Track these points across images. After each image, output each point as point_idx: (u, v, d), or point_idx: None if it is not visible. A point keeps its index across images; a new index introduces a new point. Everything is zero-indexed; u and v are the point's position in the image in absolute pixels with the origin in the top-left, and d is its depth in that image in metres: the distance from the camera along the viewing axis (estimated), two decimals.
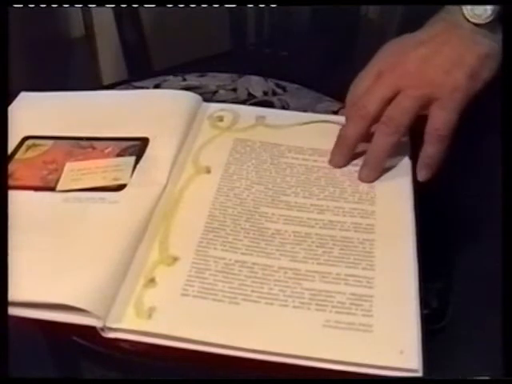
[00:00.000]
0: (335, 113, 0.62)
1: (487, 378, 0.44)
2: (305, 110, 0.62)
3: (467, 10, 0.51)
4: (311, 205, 0.50)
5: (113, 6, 0.96)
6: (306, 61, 0.53)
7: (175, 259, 0.46)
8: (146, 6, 0.94)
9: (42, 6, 1.16)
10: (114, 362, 0.43)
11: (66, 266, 0.44)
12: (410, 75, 0.51)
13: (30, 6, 1.09)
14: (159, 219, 0.49)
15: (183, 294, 0.43)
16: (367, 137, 0.52)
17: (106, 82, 1.19)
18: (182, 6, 0.95)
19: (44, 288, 0.42)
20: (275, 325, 0.42)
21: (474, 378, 0.46)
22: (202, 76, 0.67)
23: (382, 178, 0.53)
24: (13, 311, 0.41)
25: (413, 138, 0.56)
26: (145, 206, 0.49)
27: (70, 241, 0.46)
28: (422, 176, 0.52)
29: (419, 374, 0.39)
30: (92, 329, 0.41)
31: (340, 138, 0.53)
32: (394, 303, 0.43)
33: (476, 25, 0.51)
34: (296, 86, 0.66)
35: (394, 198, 0.51)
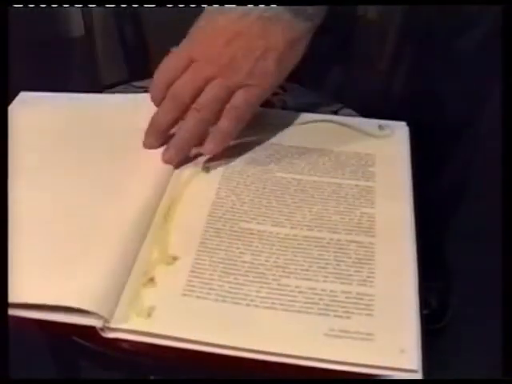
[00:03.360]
0: (335, 113, 0.62)
1: (487, 378, 0.44)
2: (305, 110, 0.62)
3: None
4: (311, 205, 0.50)
5: (113, 5, 0.96)
6: (305, 61, 0.53)
7: (175, 259, 0.46)
8: (145, 5, 0.94)
9: (42, 5, 1.16)
10: (114, 362, 0.43)
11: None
12: (221, 64, 0.52)
13: (30, 5, 1.09)
14: (159, 218, 0.49)
15: (183, 294, 0.43)
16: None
17: (105, 82, 1.19)
18: (182, 5, 0.95)
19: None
20: (275, 325, 0.42)
21: (474, 377, 0.46)
22: None
23: (382, 178, 0.53)
24: (13, 311, 0.41)
25: (413, 139, 0.56)
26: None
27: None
28: (208, 149, 0.53)
29: (419, 375, 0.39)
30: (92, 329, 0.41)
31: (153, 124, 0.54)
32: (394, 303, 0.43)
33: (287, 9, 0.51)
34: (296, 86, 0.66)
35: (394, 199, 0.51)
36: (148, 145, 0.54)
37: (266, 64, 0.52)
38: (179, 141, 0.53)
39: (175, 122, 0.53)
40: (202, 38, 0.54)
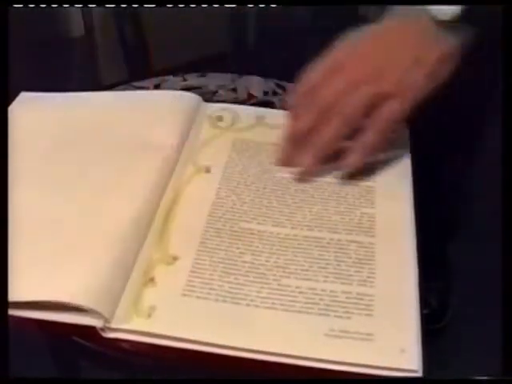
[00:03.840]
0: None
1: (487, 377, 0.44)
2: None
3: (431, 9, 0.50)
4: (311, 205, 0.50)
5: (113, 6, 0.96)
6: (306, 61, 0.52)
7: (175, 259, 0.46)
8: (145, 5, 0.94)
9: (42, 5, 1.16)
10: (114, 362, 0.43)
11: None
12: (369, 71, 0.50)
13: (30, 5, 1.09)
14: (159, 218, 0.49)
15: (183, 294, 0.43)
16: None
17: (105, 82, 1.19)
18: (182, 5, 0.95)
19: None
20: (275, 325, 0.42)
21: (474, 377, 0.46)
22: (202, 76, 0.67)
23: (382, 179, 0.53)
24: (13, 311, 0.41)
25: (413, 140, 0.56)
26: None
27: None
28: (350, 162, 0.51)
29: (419, 374, 0.39)
30: (92, 329, 0.41)
31: (293, 128, 0.52)
32: (394, 303, 0.43)
33: (440, 22, 0.50)
34: None
35: (394, 199, 0.51)
36: (285, 151, 0.53)
37: (415, 76, 0.50)
38: (319, 143, 0.51)
39: (315, 128, 0.51)
40: (349, 46, 0.52)
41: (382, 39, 0.51)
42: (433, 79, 0.50)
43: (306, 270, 0.45)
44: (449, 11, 0.49)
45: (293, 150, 0.53)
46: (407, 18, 0.51)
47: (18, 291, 0.41)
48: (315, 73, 0.52)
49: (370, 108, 0.50)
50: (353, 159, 0.51)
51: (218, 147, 0.56)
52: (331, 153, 0.52)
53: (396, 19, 0.52)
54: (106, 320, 0.41)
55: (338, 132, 0.51)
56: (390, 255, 0.46)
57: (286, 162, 0.53)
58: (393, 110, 0.50)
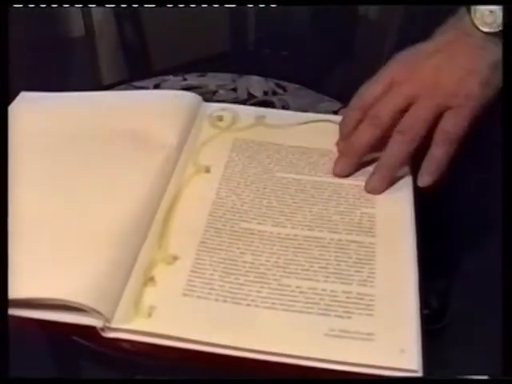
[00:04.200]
0: (335, 113, 0.62)
1: (487, 377, 0.44)
2: (305, 110, 0.62)
3: (477, 19, 0.50)
4: (311, 205, 0.50)
5: (113, 6, 0.96)
6: (306, 61, 0.52)
7: (175, 258, 0.46)
8: (145, 5, 0.94)
9: (42, 5, 1.16)
10: (114, 362, 0.43)
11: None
12: (424, 85, 0.50)
13: (30, 5, 1.09)
14: (160, 218, 0.49)
15: (184, 294, 0.43)
16: (375, 146, 0.52)
17: (105, 82, 1.19)
18: (182, 5, 0.95)
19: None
20: (276, 325, 0.42)
21: (474, 377, 0.46)
22: (201, 76, 0.67)
23: None
24: (13, 311, 0.41)
25: None
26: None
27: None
28: (425, 181, 0.51)
29: (419, 374, 0.39)
30: (92, 329, 0.41)
31: (349, 145, 0.53)
32: (394, 303, 0.43)
33: (486, 33, 0.50)
34: (296, 85, 0.66)
35: (394, 199, 0.51)
36: (340, 170, 0.53)
37: (469, 85, 0.50)
38: (384, 167, 0.51)
39: (373, 146, 0.52)
40: (402, 61, 0.53)
41: (434, 55, 0.51)
42: (488, 87, 0.50)
43: (307, 270, 0.45)
44: (493, 23, 0.49)
45: (350, 165, 0.53)
46: (456, 32, 0.52)
47: (17, 289, 0.41)
48: (371, 89, 0.52)
49: (431, 122, 0.50)
50: (428, 178, 0.51)
51: (218, 147, 0.56)
52: (398, 171, 0.52)
53: (445, 34, 0.53)
54: (106, 320, 0.41)
55: (402, 153, 0.51)
56: (390, 255, 0.46)
57: (344, 176, 0.53)
58: (455, 121, 0.50)
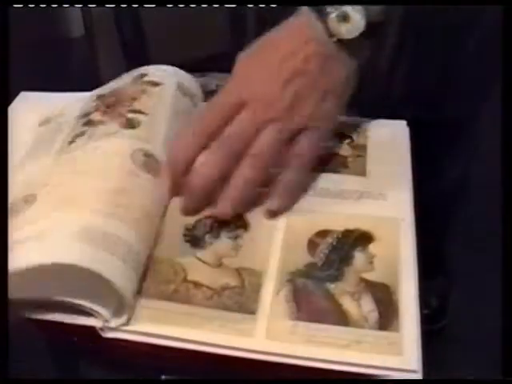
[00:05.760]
0: None
1: (487, 377, 0.44)
2: None
3: (331, 27, 0.47)
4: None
5: (113, 6, 0.96)
6: None
7: None
8: (145, 5, 0.94)
9: (41, 6, 1.16)
10: (114, 362, 0.43)
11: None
12: (281, 107, 0.47)
13: (30, 6, 1.10)
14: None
15: None
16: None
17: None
18: (182, 5, 0.95)
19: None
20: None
21: (474, 377, 0.46)
22: (202, 76, 0.67)
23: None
24: (13, 311, 0.41)
25: (413, 139, 0.56)
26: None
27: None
28: (275, 206, 0.48)
29: (419, 375, 0.39)
30: (92, 329, 0.41)
31: (197, 179, 0.47)
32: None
33: (340, 41, 0.47)
34: None
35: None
36: (188, 207, 0.48)
37: (327, 106, 0.48)
38: (234, 192, 0.47)
39: (223, 174, 0.47)
40: (254, 77, 0.48)
41: (287, 70, 0.47)
42: (341, 104, 0.50)
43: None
44: (353, 30, 0.47)
45: (202, 200, 0.48)
46: (307, 39, 0.48)
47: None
48: (214, 114, 0.48)
49: (285, 144, 0.47)
50: (278, 202, 0.48)
51: None
52: (250, 198, 0.48)
53: (294, 38, 0.48)
54: (106, 320, 0.41)
55: (254, 178, 0.47)
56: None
57: (194, 211, 0.48)
58: (310, 143, 0.48)
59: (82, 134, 0.51)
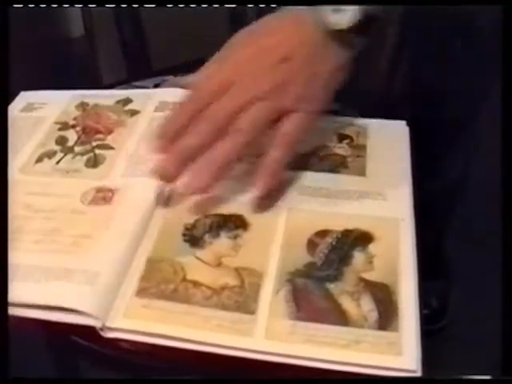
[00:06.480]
0: (335, 113, 0.62)
1: (487, 377, 0.44)
2: None
3: (321, 17, 0.48)
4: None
5: (113, 6, 0.96)
6: None
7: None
8: (145, 5, 0.94)
9: (41, 5, 1.16)
10: (114, 362, 0.43)
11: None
12: (269, 87, 0.47)
13: (30, 6, 1.10)
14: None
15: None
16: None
17: (105, 82, 1.19)
18: (182, 5, 0.95)
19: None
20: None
21: (474, 377, 0.46)
22: None
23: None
24: (13, 311, 0.41)
25: (413, 139, 0.56)
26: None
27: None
28: (262, 185, 0.48)
29: (418, 374, 0.39)
30: (91, 329, 0.41)
31: (178, 149, 0.47)
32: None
33: (333, 33, 0.48)
34: None
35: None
36: (162, 172, 0.48)
37: (314, 89, 0.49)
38: (213, 165, 0.47)
39: (203, 146, 0.47)
40: (243, 58, 0.49)
41: (276, 54, 0.48)
42: (329, 90, 0.50)
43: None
44: (345, 21, 0.47)
45: (179, 166, 0.47)
46: (300, 27, 0.49)
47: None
48: (203, 90, 0.49)
49: (270, 124, 0.48)
50: (264, 181, 0.48)
51: None
52: (228, 171, 0.48)
53: (287, 25, 0.49)
54: (105, 320, 0.41)
55: (234, 153, 0.47)
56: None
57: (170, 178, 0.48)
58: (296, 123, 0.48)
59: (50, 155, 0.54)
